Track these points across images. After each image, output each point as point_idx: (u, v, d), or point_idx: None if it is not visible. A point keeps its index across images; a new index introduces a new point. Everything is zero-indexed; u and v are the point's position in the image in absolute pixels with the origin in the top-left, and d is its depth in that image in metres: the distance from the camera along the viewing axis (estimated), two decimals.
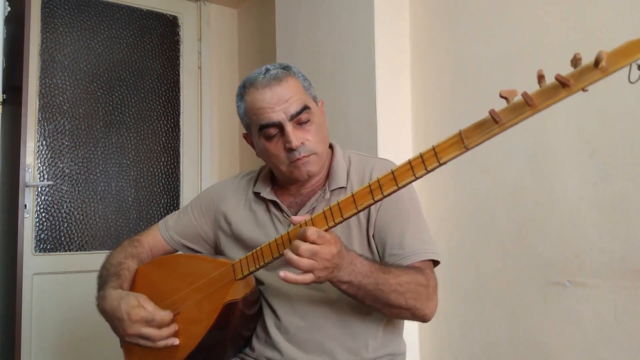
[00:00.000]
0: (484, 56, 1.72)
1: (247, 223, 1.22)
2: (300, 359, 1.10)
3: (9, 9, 2.06)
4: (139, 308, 1.05)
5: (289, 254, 0.91)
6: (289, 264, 0.91)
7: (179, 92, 2.95)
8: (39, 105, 2.53)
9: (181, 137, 2.94)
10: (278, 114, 1.08)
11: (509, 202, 1.62)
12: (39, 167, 2.52)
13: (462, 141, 0.80)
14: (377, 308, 1.04)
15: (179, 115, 2.94)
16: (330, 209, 0.93)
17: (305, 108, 1.10)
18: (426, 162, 0.83)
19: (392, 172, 0.87)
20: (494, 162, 1.67)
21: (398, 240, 1.09)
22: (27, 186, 2.43)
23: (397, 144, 1.90)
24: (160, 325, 1.05)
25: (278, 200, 1.19)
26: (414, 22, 1.97)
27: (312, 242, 0.90)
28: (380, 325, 1.14)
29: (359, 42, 1.95)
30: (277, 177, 1.22)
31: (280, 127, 1.09)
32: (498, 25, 1.69)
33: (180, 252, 1.32)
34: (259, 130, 1.12)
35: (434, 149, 0.82)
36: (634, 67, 0.67)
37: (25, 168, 2.39)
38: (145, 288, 1.15)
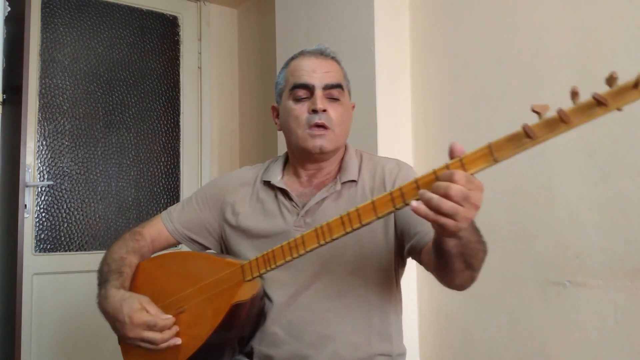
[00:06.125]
0: (483, 56, 1.72)
1: (254, 214, 1.21)
2: (301, 353, 1.09)
3: (9, 9, 2.06)
4: (142, 312, 1.03)
5: (427, 193, 0.77)
6: (426, 203, 0.78)
7: (179, 92, 2.95)
8: (39, 105, 2.53)
9: (181, 137, 2.94)
10: (313, 79, 1.15)
11: (509, 202, 1.62)
12: (39, 167, 2.52)
13: (492, 154, 0.77)
14: (456, 269, 0.94)
15: (179, 115, 2.94)
16: (348, 214, 0.90)
17: (340, 86, 1.17)
18: None
19: (416, 181, 0.83)
20: None
21: (421, 219, 1.08)
22: (27, 186, 2.43)
23: (397, 144, 1.90)
24: (162, 330, 1.04)
25: (288, 189, 1.18)
26: (414, 22, 1.97)
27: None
28: (384, 322, 1.14)
29: (359, 42, 1.95)
30: (290, 150, 1.23)
31: (311, 91, 1.15)
32: (498, 26, 1.69)
33: (182, 250, 1.29)
34: (290, 90, 1.17)
35: (461, 160, 0.78)
36: None
37: (25, 168, 2.39)
38: (147, 284, 1.13)
